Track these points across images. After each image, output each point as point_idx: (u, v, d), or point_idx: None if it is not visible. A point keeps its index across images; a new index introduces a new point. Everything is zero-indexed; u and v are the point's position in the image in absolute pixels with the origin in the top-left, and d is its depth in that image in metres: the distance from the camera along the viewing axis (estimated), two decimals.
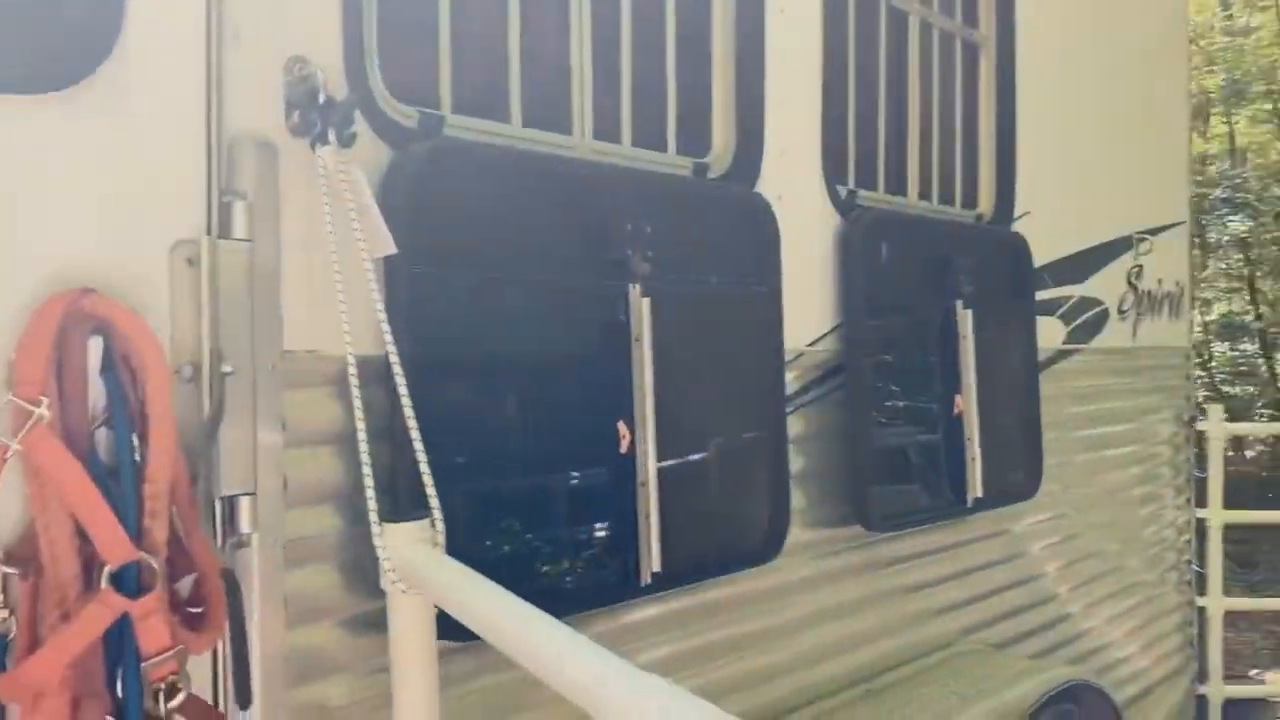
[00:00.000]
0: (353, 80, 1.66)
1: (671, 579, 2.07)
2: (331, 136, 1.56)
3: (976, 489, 2.92)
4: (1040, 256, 3.34)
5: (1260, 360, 13.66)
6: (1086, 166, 3.70)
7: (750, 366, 2.31)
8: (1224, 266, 13.78)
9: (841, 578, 2.64)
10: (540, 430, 1.94)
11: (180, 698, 1.32)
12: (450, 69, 1.87)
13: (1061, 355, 3.54)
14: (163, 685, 1.30)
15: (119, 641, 1.28)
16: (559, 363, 1.99)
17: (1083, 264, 3.65)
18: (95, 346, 1.32)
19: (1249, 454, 12.45)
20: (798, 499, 2.50)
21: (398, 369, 1.51)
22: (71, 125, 1.35)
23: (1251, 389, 13.75)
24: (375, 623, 1.61)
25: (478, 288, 1.81)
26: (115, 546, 1.25)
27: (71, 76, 1.35)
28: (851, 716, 2.55)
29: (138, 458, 1.31)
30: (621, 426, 2.00)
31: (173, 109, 1.45)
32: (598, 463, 2.00)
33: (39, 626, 1.27)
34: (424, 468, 1.48)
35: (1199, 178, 13.23)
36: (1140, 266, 4.02)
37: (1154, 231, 4.11)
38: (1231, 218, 11.31)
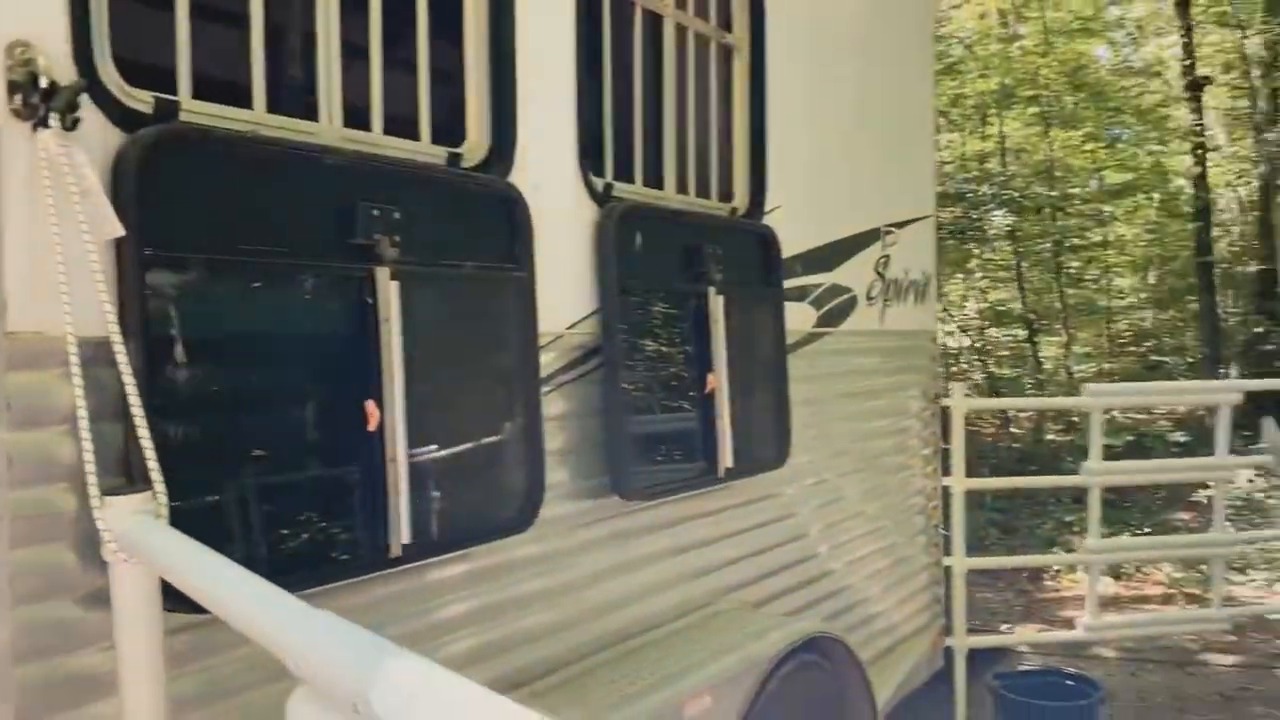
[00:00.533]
0: (80, 65, 1.68)
1: (422, 550, 2.18)
2: (53, 121, 1.58)
3: (728, 460, 3.15)
4: (791, 247, 3.63)
5: (1027, 344, 14.89)
6: (836, 165, 4.02)
7: (503, 348, 2.45)
8: (995, 257, 14.96)
9: (599, 546, 2.81)
10: (284, 409, 2.01)
11: None
12: (189, 53, 1.90)
13: (813, 338, 3.85)
14: None
15: None
16: (304, 344, 2.06)
17: (832, 254, 3.97)
18: None
19: (1015, 430, 13.55)
20: (557, 472, 2.66)
21: (119, 348, 1.55)
22: None
23: (1020, 370, 14.97)
24: (106, 598, 1.64)
25: (215, 270, 1.86)
26: None
27: None
28: (609, 674, 2.73)
29: None
30: (370, 405, 2.09)
31: None
32: (345, 441, 2.08)
33: None
34: (145, 442, 1.54)
35: (976, 174, 14.33)
36: (888, 257, 4.40)
37: (900, 225, 4.49)
38: (996, 212, 12.29)
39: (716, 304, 3.13)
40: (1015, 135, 15.11)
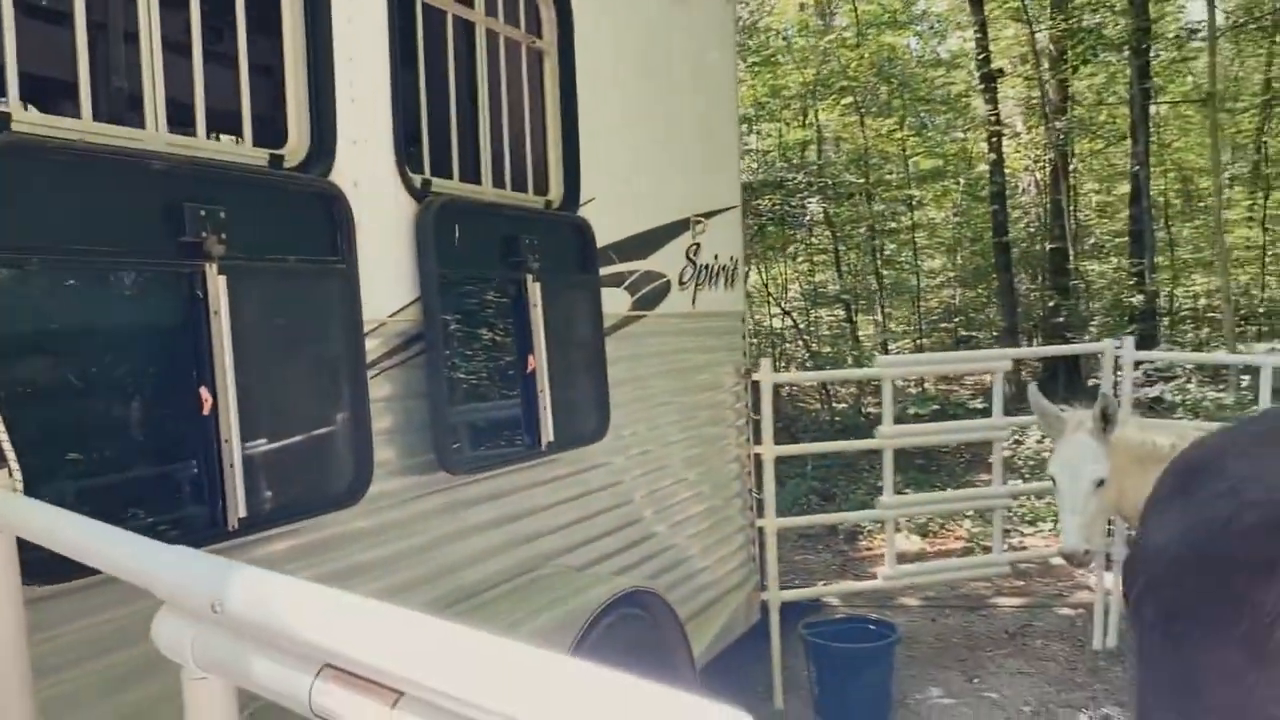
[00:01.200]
0: None
1: (256, 523, 2.36)
2: None
3: (549, 434, 3.43)
4: (605, 236, 3.93)
5: (846, 322, 15.78)
6: (647, 159, 4.34)
7: (328, 335, 2.64)
8: (815, 242, 15.79)
9: (429, 517, 3.04)
10: (124, 397, 2.16)
11: None
12: (16, 68, 2.02)
13: (629, 320, 4.16)
14: None
15: None
16: (140, 336, 2.21)
17: (645, 243, 4.29)
18: None
19: (837, 404, 14.36)
20: (385, 450, 2.88)
21: None
22: None
23: (840, 347, 15.83)
24: None
25: (55, 271, 2.00)
26: None
27: None
28: None
29: None
30: (204, 392, 2.26)
31: None
32: (182, 424, 2.25)
33: None
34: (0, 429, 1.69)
35: (796, 162, 15.07)
36: (698, 244, 4.76)
37: (709, 215, 4.86)
38: (811, 199, 13.00)
39: (534, 290, 3.39)
40: (834, 124, 15.93)
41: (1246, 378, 10.30)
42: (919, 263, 16.73)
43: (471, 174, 3.41)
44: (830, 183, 13.36)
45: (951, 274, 17.79)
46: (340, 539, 2.70)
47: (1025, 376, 14.33)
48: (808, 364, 14.08)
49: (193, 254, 2.26)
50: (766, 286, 15.66)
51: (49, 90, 2.20)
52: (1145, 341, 12.52)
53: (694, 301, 4.76)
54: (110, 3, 2.54)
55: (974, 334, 16.41)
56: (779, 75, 13.57)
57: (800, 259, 15.53)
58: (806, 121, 16.02)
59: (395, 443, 2.93)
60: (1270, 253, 16.67)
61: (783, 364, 14.89)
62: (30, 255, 1.93)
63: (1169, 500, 2.65)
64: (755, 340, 13.76)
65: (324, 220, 2.66)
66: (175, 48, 2.38)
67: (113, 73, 2.42)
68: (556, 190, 3.76)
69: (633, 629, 3.54)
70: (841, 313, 15.98)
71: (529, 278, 3.39)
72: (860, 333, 15.90)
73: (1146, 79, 13.06)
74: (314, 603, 1.00)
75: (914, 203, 15.98)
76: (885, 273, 16.21)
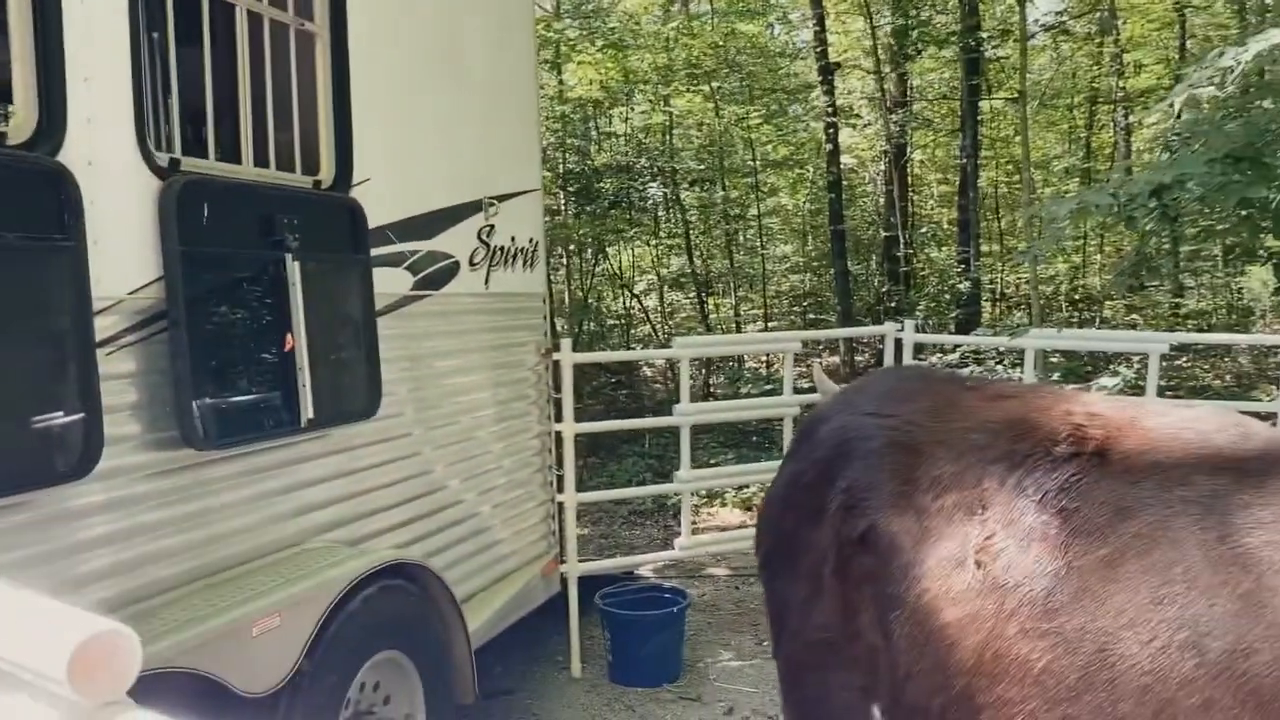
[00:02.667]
0: None
1: None
2: None
3: (309, 412, 3.50)
4: (382, 217, 4.01)
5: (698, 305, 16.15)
6: (431, 141, 4.43)
7: (51, 310, 2.67)
8: (669, 226, 16.11)
9: (173, 493, 3.09)
10: None
11: None
12: None
13: (410, 300, 4.26)
14: None
15: None
16: None
17: (429, 223, 4.39)
18: None
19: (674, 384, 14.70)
20: (125, 425, 2.92)
21: None
22: None
23: (693, 329, 16.19)
24: None
25: None
26: None
27: None
28: (183, 605, 3.03)
29: None
30: None
31: None
32: None
33: None
34: None
35: (640, 147, 15.30)
36: (491, 226, 4.88)
37: (504, 197, 4.99)
38: (651, 184, 13.27)
39: (294, 269, 3.46)
40: (691, 111, 16.23)
41: (1058, 359, 11.06)
42: (768, 248, 17.25)
43: (230, 154, 3.45)
44: (675, 168, 13.62)
45: (800, 260, 18.40)
46: (64, 515, 2.73)
47: (860, 359, 15.00)
48: (653, 345, 14.36)
49: None
50: (619, 269, 15.91)
51: None
52: (968, 325, 13.28)
53: (487, 282, 4.88)
54: None
55: (823, 317, 17.03)
56: (628, 59, 13.73)
57: (653, 243, 15.80)
58: (659, 108, 16.29)
59: (137, 418, 2.98)
60: (1092, 242, 17.78)
61: (637, 345, 15.18)
62: None
63: (786, 457, 2.95)
64: (588, 321, 13.94)
65: (47, 199, 2.67)
66: None
67: None
68: (327, 171, 3.82)
69: (395, 600, 3.67)
70: (694, 296, 16.35)
71: (288, 256, 3.44)
72: (712, 316, 16.31)
73: (975, 75, 13.74)
74: None
75: (765, 189, 16.44)
76: (737, 258, 16.67)
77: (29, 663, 0.88)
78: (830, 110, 13.99)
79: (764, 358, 14.16)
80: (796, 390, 6.37)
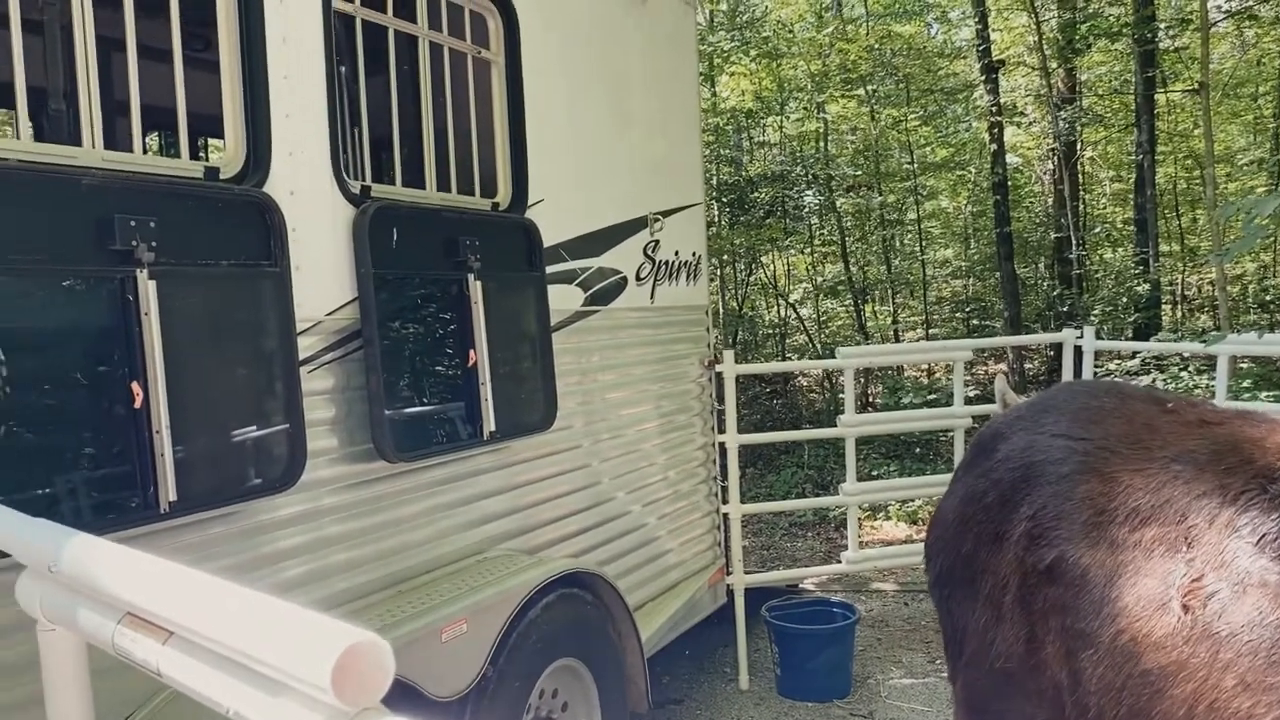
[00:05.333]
0: None
1: (188, 506, 2.59)
2: None
3: (490, 424, 3.63)
4: (555, 236, 4.12)
5: (854, 313, 15.87)
6: (600, 162, 4.53)
7: (260, 333, 2.86)
8: (824, 234, 15.90)
9: (366, 503, 3.25)
10: (60, 391, 2.39)
11: None
12: None
13: (581, 315, 4.36)
14: None
15: None
16: (73, 336, 2.44)
17: (598, 241, 4.49)
18: None
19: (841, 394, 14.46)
20: (324, 440, 3.10)
21: None
22: None
23: (848, 338, 15.93)
24: None
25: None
26: None
27: None
28: (375, 611, 3.19)
29: None
30: (135, 387, 2.49)
31: None
32: (115, 417, 2.47)
33: None
34: None
35: (795, 155, 15.15)
36: (656, 241, 4.95)
37: (668, 212, 5.05)
38: (808, 191, 13.13)
39: (475, 288, 3.60)
40: (845, 116, 16.00)
41: (1246, 364, 10.34)
42: (928, 253, 16.79)
43: (416, 180, 3.62)
44: (832, 175, 13.45)
45: (962, 264, 17.83)
46: (272, 523, 2.92)
47: (1029, 368, 14.41)
48: (809, 355, 14.19)
49: (124, 261, 2.48)
50: (774, 279, 15.81)
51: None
52: (1148, 330, 12.56)
53: (652, 296, 4.94)
54: (49, 29, 2.77)
55: (988, 323, 16.46)
56: (783, 68, 13.65)
57: (807, 251, 15.63)
58: (814, 114, 16.12)
59: (334, 432, 3.15)
60: None
61: (793, 355, 15.03)
62: None
63: (959, 471, 2.85)
64: (742, 331, 13.88)
65: (257, 227, 2.87)
66: (109, 70, 2.59)
67: (51, 98, 2.65)
68: (504, 193, 3.96)
69: (573, 608, 3.75)
70: (850, 304, 16.08)
71: (470, 276, 3.59)
72: (869, 324, 15.99)
73: (1150, 67, 13.03)
74: (119, 561, 1.21)
75: (924, 193, 16.03)
76: (895, 263, 16.29)
77: (294, 669, 0.95)
78: (994, 109, 13.53)
79: (924, 366, 13.79)
80: (967, 400, 6.17)
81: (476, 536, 3.74)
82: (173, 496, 2.54)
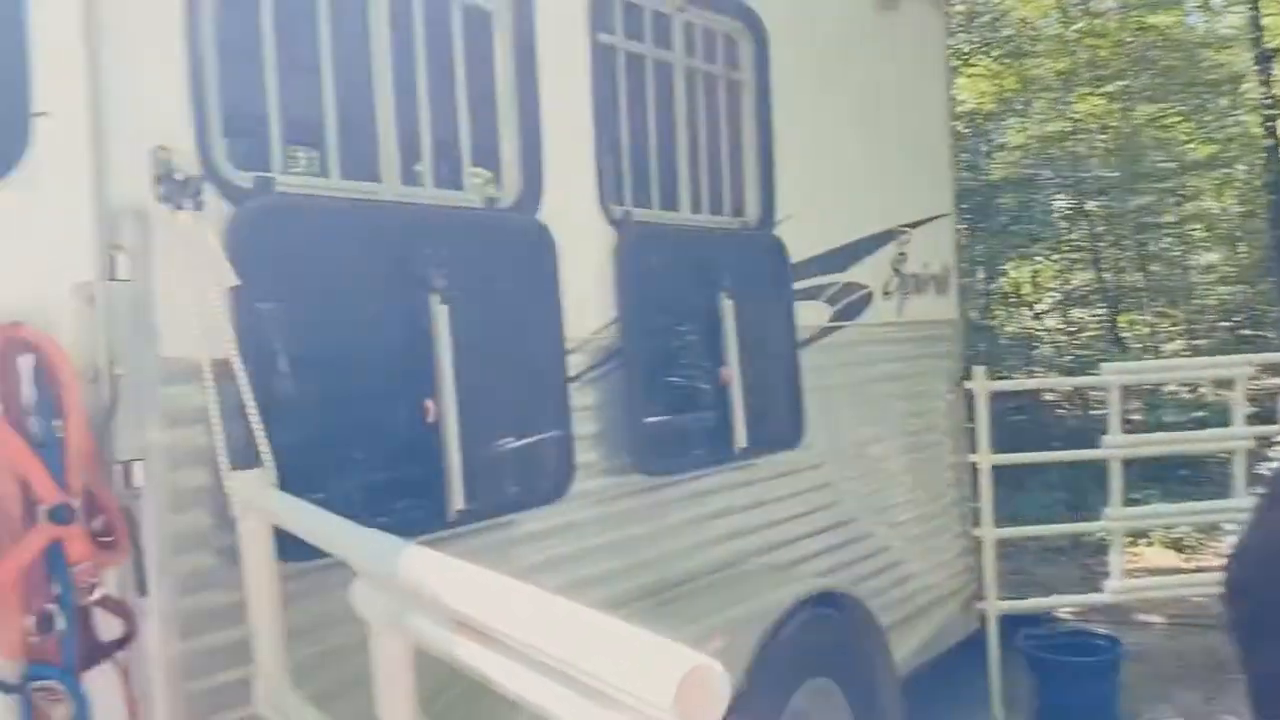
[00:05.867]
0: (203, 159, 2.30)
1: (472, 515, 2.77)
2: (187, 204, 2.21)
3: (742, 441, 3.67)
4: (802, 252, 4.12)
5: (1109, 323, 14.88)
6: (846, 176, 4.49)
7: (534, 352, 3.02)
8: (1072, 239, 15.00)
9: (627, 515, 3.37)
10: (364, 407, 2.61)
11: (98, 594, 1.98)
12: (279, 140, 2.53)
13: (827, 331, 4.33)
14: (85, 585, 1.95)
15: (54, 555, 1.93)
16: (376, 357, 2.66)
17: (845, 256, 4.45)
18: (27, 361, 1.96)
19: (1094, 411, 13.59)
20: (587, 454, 3.23)
21: (238, 367, 2.18)
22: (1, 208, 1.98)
23: (1102, 350, 14.96)
24: (234, 552, 2.27)
25: (307, 305, 2.48)
26: (47, 492, 1.90)
27: None
28: (637, 623, 3.28)
29: (60, 435, 1.96)
30: (429, 403, 2.69)
31: (70, 193, 2.08)
32: (410, 429, 2.68)
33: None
34: (259, 435, 2.16)
35: (1043, 157, 14.38)
36: (904, 254, 4.85)
37: (915, 224, 4.93)
38: (1059, 195, 12.44)
39: (727, 306, 3.65)
40: (1095, 113, 15.08)
41: None
42: (1190, 258, 15.52)
43: (670, 201, 3.72)
44: (1083, 177, 12.69)
45: (1231, 270, 16.34)
46: (543, 532, 3.07)
47: None
48: (1057, 369, 13.43)
49: (419, 286, 2.69)
50: (1015, 288, 15.07)
51: (304, 161, 2.71)
52: None
53: (900, 311, 4.84)
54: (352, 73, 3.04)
55: (1260, 334, 15.02)
56: (1026, 67, 13.03)
57: (1054, 258, 14.80)
58: (1061, 113, 15.27)
59: (597, 446, 3.28)
60: None
61: (1041, 370, 14.26)
62: (286, 296, 2.41)
63: (1264, 507, 2.57)
64: (993, 345, 13.27)
65: (530, 252, 3.04)
66: (404, 111, 2.83)
67: (354, 139, 2.90)
68: (753, 211, 4.00)
69: (826, 628, 3.71)
70: (1101, 312, 15.10)
71: (722, 294, 3.65)
72: (1124, 333, 14.96)
73: None
74: (449, 572, 1.32)
75: (1185, 193, 14.84)
76: (1152, 269, 15.15)
77: (634, 688, 1.00)
78: (1267, 101, 12.35)
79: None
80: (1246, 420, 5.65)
81: (727, 551, 3.78)
82: (460, 505, 2.72)
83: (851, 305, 4.50)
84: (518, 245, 3.05)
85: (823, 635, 3.69)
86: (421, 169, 2.91)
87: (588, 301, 3.24)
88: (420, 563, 1.39)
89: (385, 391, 2.67)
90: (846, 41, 4.56)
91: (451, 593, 1.30)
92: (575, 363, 3.19)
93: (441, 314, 2.72)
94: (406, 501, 2.69)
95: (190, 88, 2.29)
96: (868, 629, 3.92)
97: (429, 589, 1.35)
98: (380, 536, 1.59)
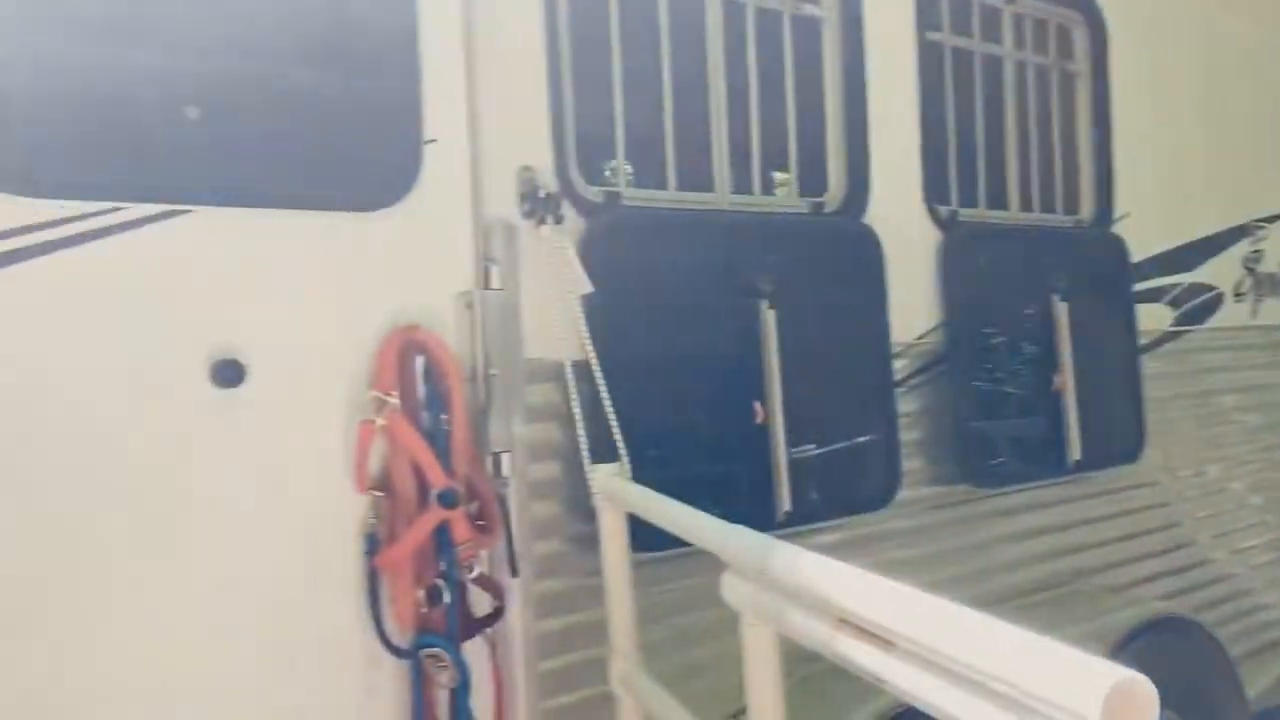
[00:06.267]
0: (560, 178, 2.48)
1: (799, 518, 2.79)
2: (548, 218, 2.39)
3: (1075, 454, 3.47)
4: (1142, 251, 3.84)
5: None
6: (1191, 169, 4.13)
7: (860, 357, 3.01)
8: None
9: (951, 526, 3.27)
10: (697, 407, 2.71)
11: (476, 572, 2.18)
12: (625, 159, 2.68)
13: (1169, 337, 4.00)
14: (467, 563, 2.16)
15: (442, 535, 2.15)
16: (711, 359, 2.75)
17: (1190, 254, 4.09)
18: (419, 361, 2.20)
19: None
20: (911, 461, 3.18)
21: (596, 368, 2.33)
22: (397, 228, 2.23)
23: None
24: (584, 540, 2.43)
25: (650, 310, 2.61)
26: (438, 478, 2.12)
27: (394, 199, 2.23)
28: None
29: (446, 427, 2.18)
30: (758, 406, 2.76)
31: (452, 211, 2.31)
32: (741, 431, 2.75)
33: (395, 527, 2.15)
34: (616, 432, 2.31)
35: None
36: (1259, 251, 4.39)
37: (1273, 218, 4.45)
38: None
39: (1060, 309, 3.47)
40: None
41: None
42: None
43: (998, 200, 3.58)
44: None
45: None
46: (866, 539, 3.04)
47: None
48: None
49: (749, 293, 2.76)
50: None
51: (645, 176, 2.85)
52: None
53: (1254, 314, 4.39)
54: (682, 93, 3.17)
55: None
56: None
57: None
58: None
59: (922, 454, 3.22)
60: None
61: None
62: (636, 300, 2.55)
63: None
64: None
65: (857, 256, 3.03)
66: (736, 124, 2.91)
67: (689, 154, 3.02)
68: (1087, 208, 3.77)
69: (1168, 656, 3.44)
70: None
71: (1055, 297, 3.47)
72: None
73: None
74: (831, 573, 1.35)
75: None
76: None
77: (1056, 699, 0.98)
78: None
79: None
80: None
81: (1055, 568, 3.58)
82: (788, 507, 2.76)
83: (1198, 308, 4.14)
84: (843, 250, 3.05)
85: (1164, 663, 3.41)
86: (752, 179, 2.98)
87: (913, 305, 3.19)
88: (796, 561, 1.43)
89: (718, 393, 2.76)
90: (1190, 22, 4.19)
91: (833, 591, 1.33)
92: (898, 369, 3.14)
93: (769, 319, 2.77)
94: (736, 500, 2.75)
95: (550, 113, 2.48)
96: (1215, 659, 3.60)
97: (807, 586, 1.39)
98: (749, 532, 1.65)
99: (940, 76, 3.38)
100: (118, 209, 1.86)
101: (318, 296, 2.11)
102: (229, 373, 1.96)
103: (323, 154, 2.16)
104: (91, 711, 1.86)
